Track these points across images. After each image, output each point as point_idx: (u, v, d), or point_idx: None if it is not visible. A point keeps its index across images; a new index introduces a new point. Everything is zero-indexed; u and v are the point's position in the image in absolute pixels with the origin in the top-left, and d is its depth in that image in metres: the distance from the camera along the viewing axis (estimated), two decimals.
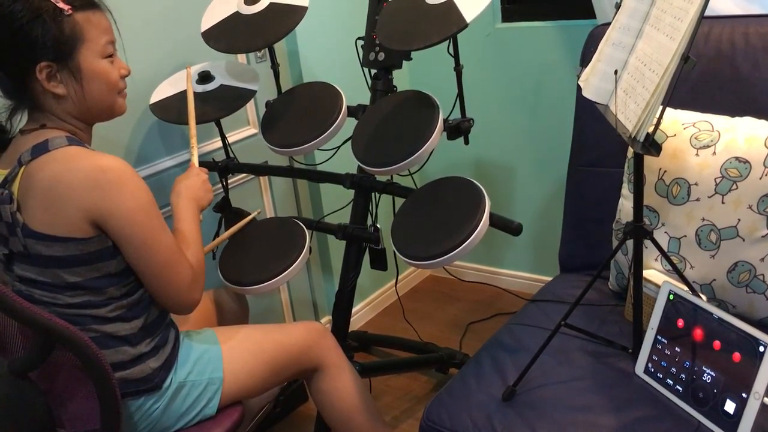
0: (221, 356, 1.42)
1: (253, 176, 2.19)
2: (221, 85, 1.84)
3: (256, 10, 1.79)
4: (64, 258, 1.22)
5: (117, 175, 1.22)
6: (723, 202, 1.40)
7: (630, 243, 1.35)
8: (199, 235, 1.43)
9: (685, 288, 1.34)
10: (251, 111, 2.19)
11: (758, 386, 1.13)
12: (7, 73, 1.26)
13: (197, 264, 1.37)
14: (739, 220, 1.38)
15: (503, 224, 1.50)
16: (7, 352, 1.27)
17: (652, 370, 1.33)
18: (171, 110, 1.79)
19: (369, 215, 1.84)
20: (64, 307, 1.25)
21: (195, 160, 1.61)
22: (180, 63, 1.92)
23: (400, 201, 1.66)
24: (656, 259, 1.52)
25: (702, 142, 1.45)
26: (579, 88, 1.46)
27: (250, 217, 1.80)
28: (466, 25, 1.45)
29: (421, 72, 2.58)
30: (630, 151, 1.60)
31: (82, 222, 1.20)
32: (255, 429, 1.76)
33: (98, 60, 1.28)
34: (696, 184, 1.44)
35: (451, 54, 1.61)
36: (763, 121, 1.43)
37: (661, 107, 1.10)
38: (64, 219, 1.20)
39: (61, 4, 1.23)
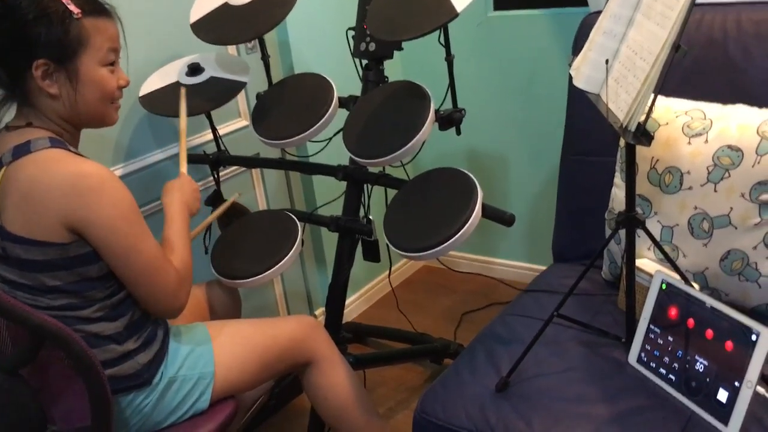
0: (212, 350, 1.41)
1: (244, 169, 2.18)
2: (211, 77, 1.83)
3: (246, 1, 1.77)
4: (43, 262, 1.21)
5: (97, 182, 1.20)
6: (715, 191, 1.40)
7: (623, 232, 1.34)
8: (187, 239, 1.42)
9: (678, 277, 1.34)
10: (242, 103, 2.18)
11: (751, 375, 1.13)
12: (3, 65, 1.24)
13: (183, 268, 1.35)
14: (731, 208, 1.38)
15: (496, 215, 1.49)
16: None
17: (645, 359, 1.33)
18: (160, 103, 1.77)
19: (362, 207, 1.83)
20: (46, 309, 1.23)
21: (184, 169, 1.59)
22: (169, 55, 1.90)
23: (392, 192, 1.66)
24: (649, 248, 1.52)
25: (694, 130, 1.44)
26: (571, 77, 1.45)
27: (230, 201, 1.79)
28: (456, 15, 1.43)
29: (414, 62, 2.57)
30: (622, 140, 1.59)
31: (60, 227, 1.19)
32: (249, 422, 1.76)
33: (97, 67, 1.26)
34: (688, 172, 1.43)
35: (442, 44, 1.59)
36: (755, 109, 1.43)
37: (652, 96, 1.10)
38: (42, 223, 1.18)
39: (71, 7, 1.21)
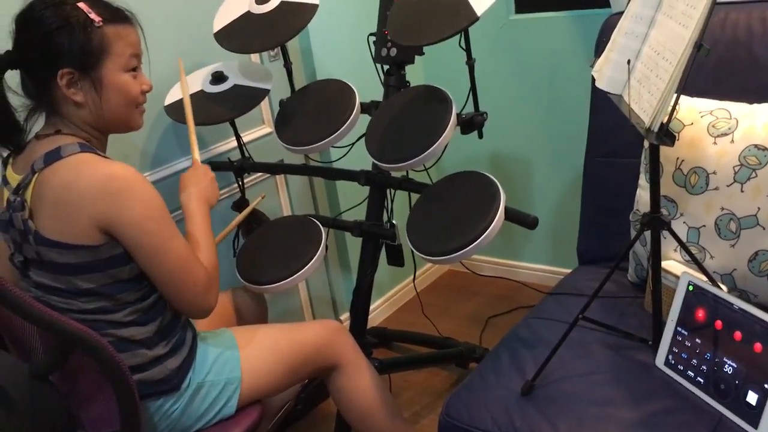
0: (239, 356, 1.42)
1: (269, 175, 2.20)
2: (235, 85, 1.85)
3: (268, 9, 1.79)
4: (77, 265, 1.23)
5: (126, 183, 1.22)
6: (742, 191, 1.38)
7: (648, 234, 1.33)
8: (211, 236, 1.43)
9: (705, 278, 1.32)
10: (266, 110, 2.20)
11: None
12: (29, 75, 1.27)
13: (211, 267, 1.36)
14: (758, 208, 1.36)
15: (519, 218, 1.49)
16: (29, 356, 1.28)
17: (673, 362, 1.31)
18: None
19: (385, 211, 1.84)
20: (80, 312, 1.25)
21: (197, 156, 1.58)
22: (193, 64, 1.93)
23: (415, 196, 1.66)
24: (675, 250, 1.50)
25: (720, 130, 1.43)
26: (593, 79, 1.44)
27: (254, 203, 1.80)
28: (476, 19, 1.44)
29: (435, 66, 2.57)
30: (647, 141, 1.58)
31: (92, 229, 1.21)
32: (276, 427, 1.77)
33: (120, 74, 1.28)
34: (714, 172, 1.42)
35: (463, 48, 1.60)
36: None
37: (675, 96, 1.09)
38: (74, 226, 1.20)
39: (92, 15, 1.24)
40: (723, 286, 1.40)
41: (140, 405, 1.22)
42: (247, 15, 1.81)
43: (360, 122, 1.75)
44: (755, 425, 1.14)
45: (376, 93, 1.86)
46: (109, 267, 1.25)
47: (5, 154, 1.34)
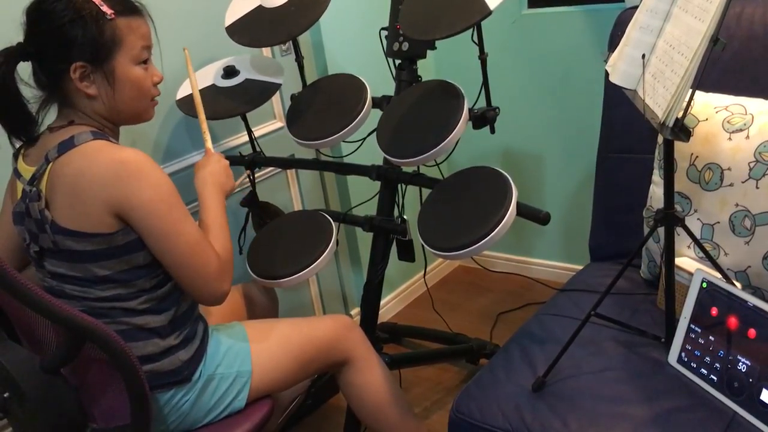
0: (249, 349, 1.43)
1: (280, 169, 2.20)
2: (246, 79, 1.85)
3: (279, 3, 1.78)
4: (94, 252, 1.23)
5: (136, 167, 1.22)
6: (757, 187, 1.36)
7: (662, 230, 1.32)
8: (225, 223, 1.42)
9: (719, 275, 1.31)
10: (277, 104, 2.19)
11: None
12: (42, 67, 1.27)
13: (224, 253, 1.35)
14: None
15: (531, 214, 1.48)
16: (42, 350, 1.29)
17: (686, 359, 1.30)
18: None
19: (396, 206, 1.83)
20: (95, 300, 1.26)
21: (209, 145, 1.57)
22: (205, 58, 1.93)
23: (427, 191, 1.65)
24: (689, 247, 1.49)
25: (735, 125, 1.41)
26: (607, 74, 1.43)
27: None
28: (489, 13, 1.43)
29: (447, 61, 2.56)
30: (661, 136, 1.57)
31: (106, 215, 1.21)
32: (286, 421, 1.78)
33: (132, 66, 1.28)
34: (729, 169, 1.40)
35: (475, 42, 1.59)
36: None
37: (690, 91, 1.08)
38: (89, 213, 1.21)
39: (104, 8, 1.24)
40: (737, 284, 1.38)
41: (150, 398, 1.22)
42: (259, 9, 1.81)
43: (371, 117, 1.75)
44: None
45: (388, 88, 1.86)
46: (125, 253, 1.25)
47: (16, 147, 1.35)
